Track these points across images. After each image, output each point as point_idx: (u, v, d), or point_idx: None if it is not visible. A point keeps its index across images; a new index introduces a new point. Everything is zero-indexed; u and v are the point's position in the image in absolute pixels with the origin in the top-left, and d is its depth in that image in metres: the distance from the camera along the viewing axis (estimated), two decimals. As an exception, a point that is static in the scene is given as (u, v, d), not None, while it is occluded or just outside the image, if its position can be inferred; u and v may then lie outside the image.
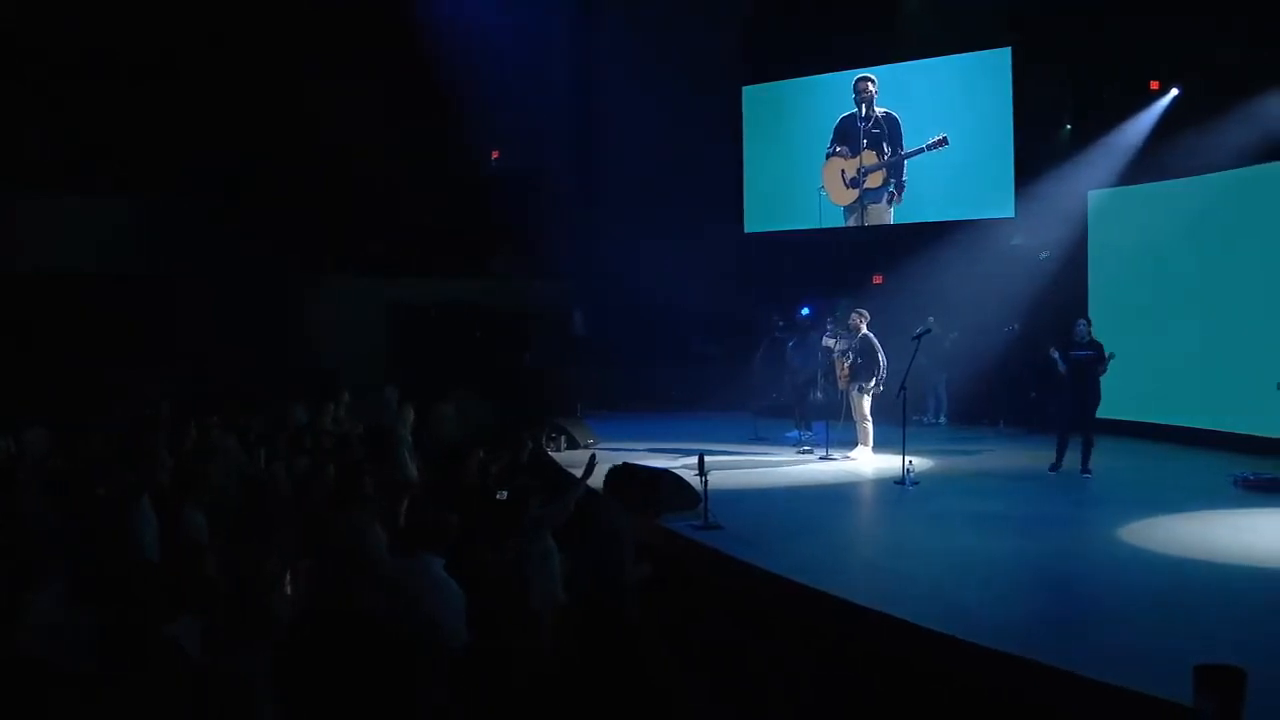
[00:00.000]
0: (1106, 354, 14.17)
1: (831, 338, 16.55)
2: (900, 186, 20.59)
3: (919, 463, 14.24)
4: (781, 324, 19.28)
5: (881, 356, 15.51)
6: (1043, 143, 19.17)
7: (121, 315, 17.64)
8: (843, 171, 21.23)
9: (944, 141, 19.96)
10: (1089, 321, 14.51)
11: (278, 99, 18.65)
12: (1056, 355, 14.13)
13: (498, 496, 8.85)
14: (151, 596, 5.51)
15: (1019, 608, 8.64)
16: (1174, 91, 17.49)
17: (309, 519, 8.28)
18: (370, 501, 7.95)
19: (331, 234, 19.55)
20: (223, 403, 13.15)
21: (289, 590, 6.58)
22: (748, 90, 22.58)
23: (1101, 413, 17.81)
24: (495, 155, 22.12)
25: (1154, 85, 17.71)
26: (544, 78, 21.06)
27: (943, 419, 19.93)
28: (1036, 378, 16.53)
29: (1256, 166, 15.88)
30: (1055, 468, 14.18)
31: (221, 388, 15.29)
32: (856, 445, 15.79)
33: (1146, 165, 17.67)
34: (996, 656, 7.14)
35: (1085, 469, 14.14)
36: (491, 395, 17.35)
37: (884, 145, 20.80)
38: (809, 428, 17.32)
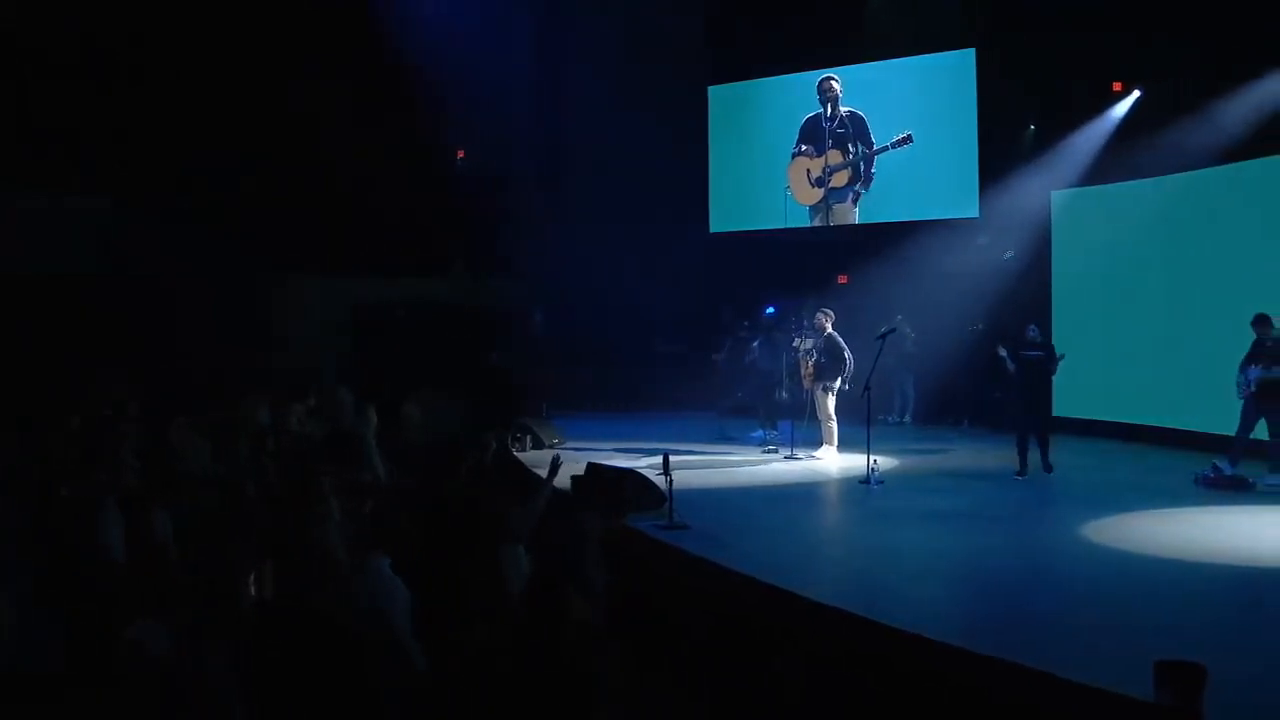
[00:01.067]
0: (1057, 354, 14.23)
1: (799, 337, 16.60)
2: (868, 179, 20.65)
3: (884, 462, 14.29)
4: (746, 324, 19.31)
5: (848, 354, 15.57)
6: (1006, 143, 19.25)
7: (86, 315, 17.48)
8: (808, 171, 21.28)
9: (909, 139, 20.03)
10: (1038, 328, 14.50)
11: (245, 99, 18.54)
12: (1004, 354, 14.17)
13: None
14: (117, 598, 5.48)
15: (983, 606, 8.70)
16: (1136, 93, 17.62)
17: (273, 520, 8.24)
18: (331, 503, 7.90)
19: (297, 233, 19.43)
20: (188, 402, 13.05)
21: (253, 591, 6.55)
22: (713, 90, 22.58)
23: (1065, 411, 18.02)
24: (460, 155, 22.04)
25: (1116, 87, 17.83)
26: (510, 77, 21.01)
27: (908, 418, 20.01)
28: (987, 377, 16.60)
29: (1218, 168, 16.01)
30: (1021, 473, 14.12)
31: (187, 387, 15.18)
32: (821, 445, 15.85)
33: (1109, 166, 17.80)
34: (961, 654, 7.17)
35: (1046, 467, 14.19)
36: (457, 395, 17.29)
37: (849, 144, 20.86)
38: (774, 427, 17.35)
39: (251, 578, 6.64)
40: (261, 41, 18.63)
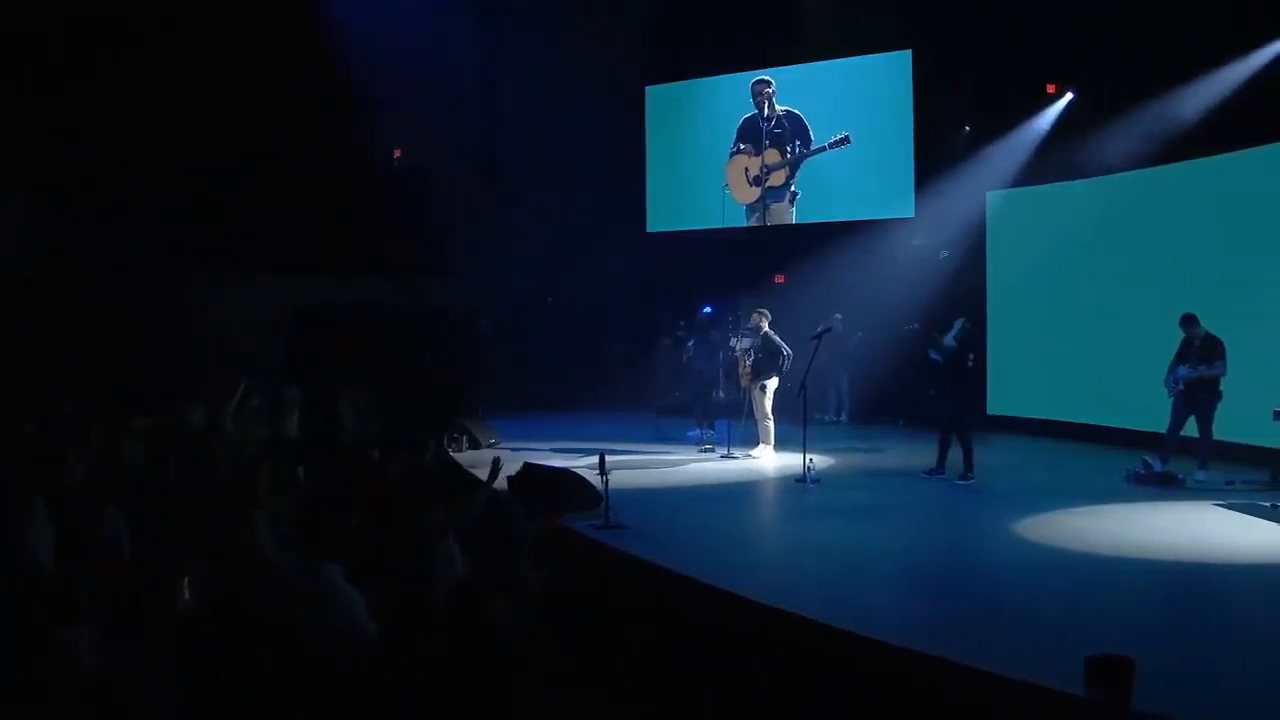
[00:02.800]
0: (970, 357, 14.13)
1: (735, 337, 16.63)
2: (794, 173, 20.76)
3: (820, 461, 14.34)
4: (682, 323, 19.32)
5: (786, 351, 15.60)
6: (942, 144, 19.40)
7: (16, 315, 17.22)
8: (746, 169, 21.34)
9: (846, 140, 20.15)
10: (965, 321, 14.44)
11: (177, 97, 18.32)
12: (939, 355, 14.18)
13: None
14: (44, 603, 5.38)
15: (917, 603, 8.73)
16: (1069, 95, 17.79)
17: (207, 521, 8.14)
18: (267, 504, 7.82)
19: (232, 233, 19.23)
20: (121, 403, 12.90)
21: (187, 594, 6.47)
22: (651, 90, 22.61)
23: (999, 410, 18.20)
24: (398, 154, 21.91)
25: (1051, 89, 18.00)
26: (448, 76, 20.89)
27: (844, 417, 20.10)
28: (916, 376, 16.68)
29: (1150, 169, 16.22)
30: (934, 471, 14.06)
31: (120, 388, 14.99)
32: (758, 444, 15.88)
33: (1043, 167, 17.99)
34: (895, 651, 7.20)
35: (969, 473, 13.81)
36: (394, 396, 17.19)
37: (787, 144, 20.94)
38: (711, 426, 17.38)
39: (187, 581, 6.55)
40: (196, 39, 18.43)
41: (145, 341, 17.94)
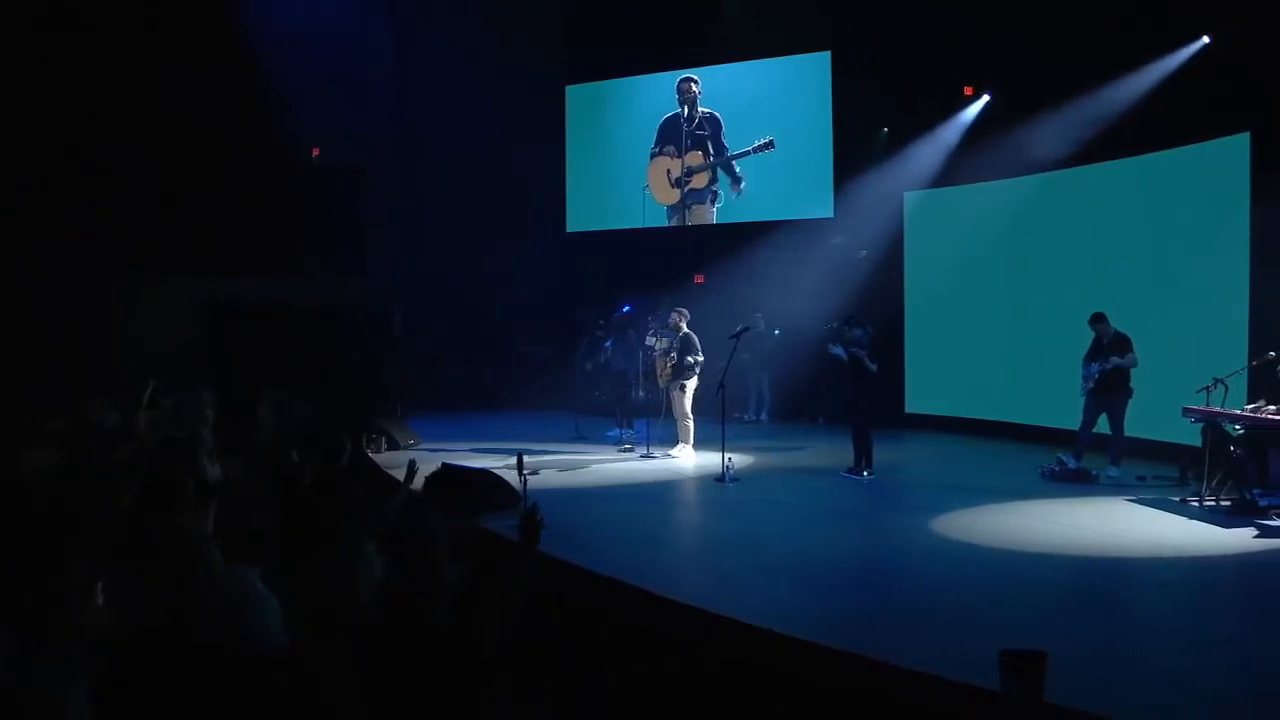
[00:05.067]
0: (875, 358, 14.20)
1: (654, 337, 16.64)
2: (737, 179, 20.81)
3: (739, 460, 14.39)
4: (601, 323, 19.31)
5: (699, 351, 15.64)
6: (861, 145, 19.53)
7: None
8: (668, 171, 21.36)
9: (770, 144, 20.22)
10: (866, 324, 14.52)
11: (91, 93, 17.99)
12: (840, 351, 14.25)
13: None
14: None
15: (834, 600, 8.76)
16: (986, 97, 17.98)
17: (122, 526, 8.00)
18: (185, 507, 7.69)
19: (145, 231, 18.92)
20: (32, 405, 12.65)
21: (101, 601, 6.33)
22: (570, 90, 22.55)
23: (917, 408, 18.36)
24: (316, 153, 21.69)
25: (968, 91, 18.18)
26: (366, 75, 20.74)
27: (764, 416, 20.17)
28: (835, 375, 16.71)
29: (1064, 170, 16.43)
30: (863, 470, 14.12)
31: (30, 389, 14.70)
32: (677, 443, 15.90)
33: (960, 168, 18.16)
34: (814, 648, 7.22)
35: (868, 469, 14.03)
36: (312, 396, 17.00)
37: (709, 145, 20.99)
38: (630, 426, 17.40)
39: (99, 587, 6.42)
40: (109, 33, 18.12)
41: (55, 342, 17.60)
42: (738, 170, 20.73)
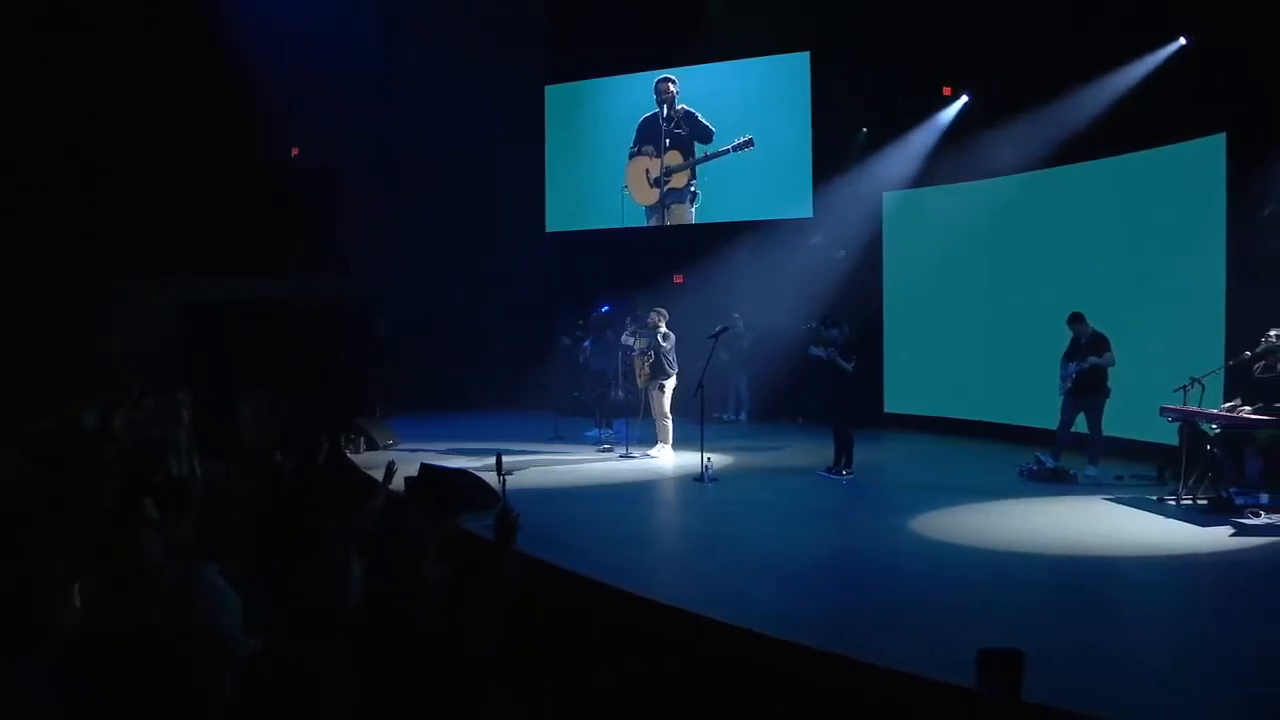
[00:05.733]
0: (850, 357, 14.19)
1: (631, 336, 16.64)
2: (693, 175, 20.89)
3: (718, 460, 14.39)
4: (580, 322, 19.30)
5: (671, 355, 15.68)
6: (840, 145, 19.56)
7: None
8: (647, 171, 21.36)
9: (750, 143, 20.24)
10: (843, 324, 14.53)
11: (68, 92, 17.90)
12: (820, 352, 14.26)
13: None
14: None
15: (815, 600, 8.76)
16: (965, 98, 18.03)
17: (98, 527, 7.96)
18: (157, 508, 7.66)
19: (125, 231, 18.82)
20: (7, 407, 12.59)
21: (77, 603, 6.30)
22: (550, 90, 22.54)
23: (896, 408, 18.40)
24: (295, 152, 21.63)
25: (946, 91, 18.22)
26: (346, 74, 20.66)
27: (743, 416, 20.19)
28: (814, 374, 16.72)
29: (1042, 171, 16.49)
30: (843, 470, 14.15)
31: (13, 390, 14.62)
32: (656, 443, 15.91)
33: (939, 168, 18.22)
34: (793, 648, 7.23)
35: (848, 469, 14.10)
36: (292, 396, 16.96)
37: (688, 145, 21.00)
38: (609, 426, 17.41)
39: (76, 589, 6.39)
40: (87, 33, 18.03)
41: (35, 343, 17.51)
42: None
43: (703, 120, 20.83)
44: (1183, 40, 14.68)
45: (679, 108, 21.05)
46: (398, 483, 8.83)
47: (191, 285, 19.78)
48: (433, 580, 7.89)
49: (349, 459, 14.87)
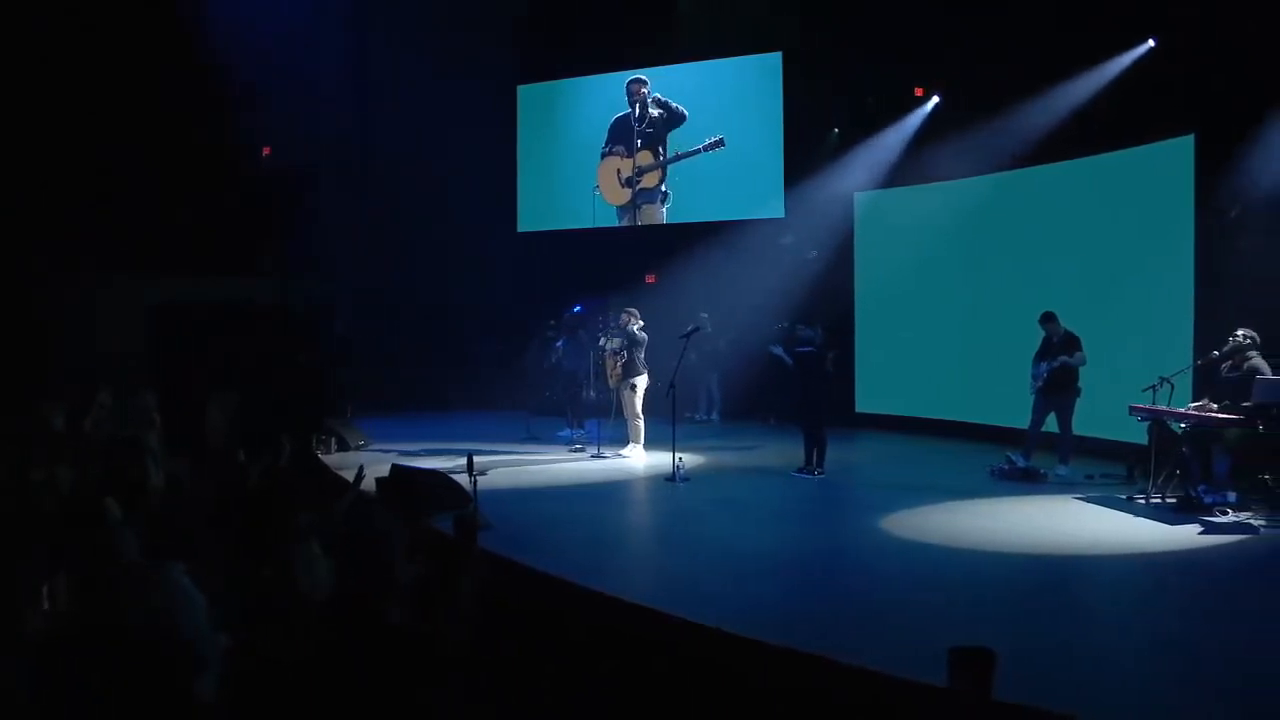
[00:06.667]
0: (829, 353, 14.24)
1: (604, 337, 16.63)
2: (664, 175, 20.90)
3: (690, 459, 14.40)
4: (552, 323, 19.27)
5: (640, 354, 15.70)
6: (812, 145, 19.59)
7: None
8: (618, 171, 21.35)
9: (720, 143, 20.25)
10: (816, 325, 14.55)
11: (36, 89, 17.77)
12: (780, 351, 14.28)
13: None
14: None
15: (787, 600, 8.75)
16: (936, 99, 18.08)
17: (67, 529, 7.91)
18: (128, 508, 7.62)
19: (93, 231, 18.70)
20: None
21: (46, 605, 6.26)
22: (522, 89, 22.50)
23: (867, 407, 18.44)
24: (266, 152, 21.50)
25: (918, 92, 18.28)
26: (319, 74, 20.58)
27: (715, 416, 20.20)
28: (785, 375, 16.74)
29: (1014, 171, 16.57)
30: (815, 470, 14.16)
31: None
32: (628, 443, 15.90)
33: (910, 168, 18.27)
34: (766, 648, 7.22)
35: (819, 468, 14.11)
36: (262, 397, 16.87)
37: (659, 146, 21.00)
38: (581, 426, 17.40)
39: (45, 590, 6.35)
40: (57, 31, 17.91)
41: (3, 343, 17.38)
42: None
43: (675, 105, 20.81)
44: (1152, 42, 14.75)
45: (653, 110, 21.03)
46: (369, 483, 8.80)
47: (159, 286, 19.66)
48: (402, 580, 7.88)
49: (319, 460, 14.81)
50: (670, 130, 20.93)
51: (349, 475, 9.01)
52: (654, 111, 21.05)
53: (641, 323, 15.86)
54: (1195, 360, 12.62)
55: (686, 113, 20.75)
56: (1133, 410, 12.42)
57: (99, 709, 4.29)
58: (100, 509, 7.51)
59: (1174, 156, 14.15)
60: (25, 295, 18.28)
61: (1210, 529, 10.71)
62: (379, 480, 11.84)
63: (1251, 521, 10.88)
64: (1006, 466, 13.76)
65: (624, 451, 15.80)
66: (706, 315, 19.11)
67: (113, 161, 18.40)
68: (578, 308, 18.97)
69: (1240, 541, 10.33)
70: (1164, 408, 12.00)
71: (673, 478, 13.62)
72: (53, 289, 18.73)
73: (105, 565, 7.01)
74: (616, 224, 21.39)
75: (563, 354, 18.07)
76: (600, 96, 21.65)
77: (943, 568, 9.57)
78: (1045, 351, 13.85)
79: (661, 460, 14.52)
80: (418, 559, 8.21)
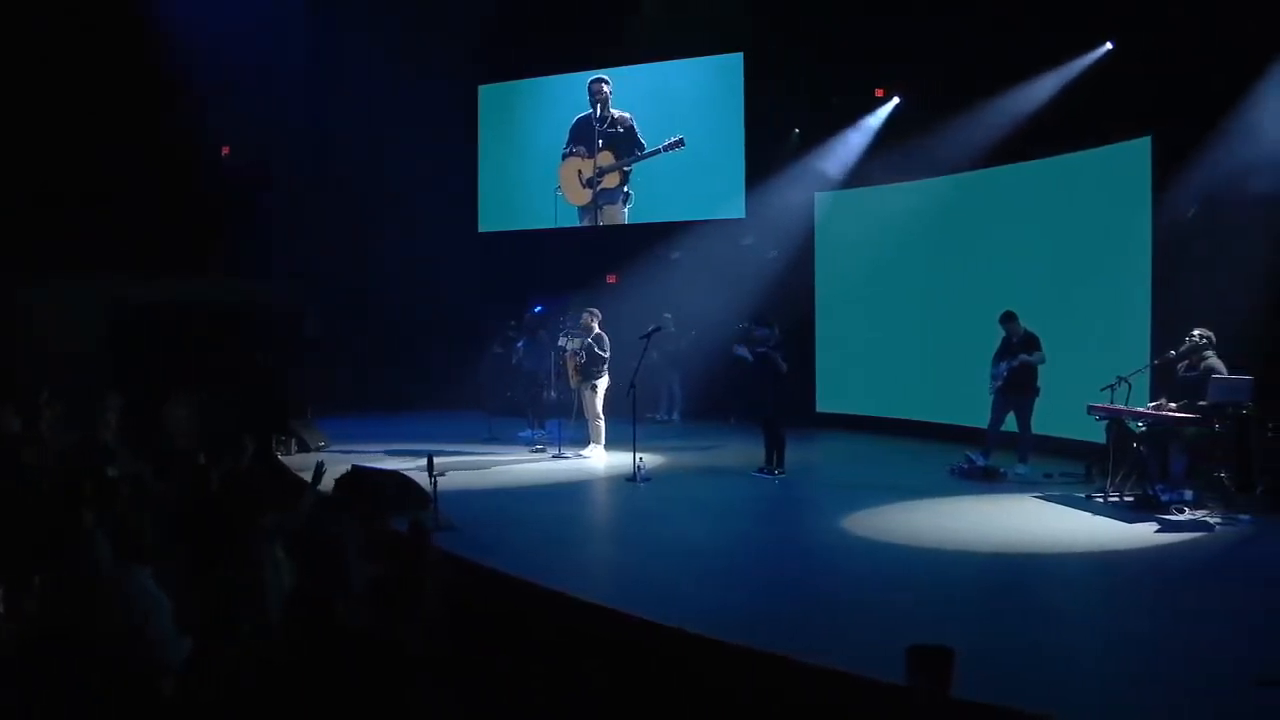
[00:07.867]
0: (780, 355, 14.20)
1: (565, 337, 16.60)
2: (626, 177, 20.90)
3: (651, 459, 14.38)
4: (513, 323, 19.22)
5: (605, 351, 15.68)
6: (773, 145, 19.63)
7: None
8: (579, 171, 21.33)
9: (680, 143, 20.27)
10: (773, 324, 14.52)
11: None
12: (744, 351, 14.28)
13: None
14: None
15: (748, 599, 8.75)
16: (896, 99, 18.14)
17: (28, 532, 7.83)
18: (90, 512, 7.54)
19: (48, 230, 18.52)
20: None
21: (3, 609, 6.20)
22: (484, 89, 22.45)
23: (827, 407, 18.48)
24: (226, 151, 21.37)
25: (878, 93, 18.34)
26: (277, 73, 20.44)
27: (676, 416, 20.20)
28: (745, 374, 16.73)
29: (973, 172, 16.65)
30: (775, 469, 14.10)
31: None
32: (589, 443, 15.88)
33: (870, 169, 18.34)
34: (726, 648, 7.23)
35: (778, 467, 14.08)
36: (220, 398, 16.74)
37: (620, 146, 20.98)
38: (542, 426, 17.36)
39: (1, 594, 6.29)
40: (11, 27, 17.73)
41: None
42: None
43: (639, 135, 20.81)
44: (1109, 45, 14.86)
45: (614, 111, 21.02)
46: (327, 483, 8.75)
47: (117, 286, 19.49)
48: (358, 580, 7.86)
49: (279, 460, 14.73)
50: (630, 144, 20.91)
51: (309, 476, 8.96)
52: (616, 114, 21.03)
53: (604, 336, 15.81)
54: (1152, 360, 12.71)
55: (645, 145, 20.75)
56: (1091, 409, 12.49)
57: (67, 711, 4.28)
58: (74, 515, 7.44)
59: (1131, 158, 14.25)
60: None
61: (1167, 527, 10.78)
62: (338, 480, 11.78)
63: (1207, 519, 10.98)
64: (966, 466, 13.82)
65: (585, 452, 15.78)
66: (670, 315, 19.09)
67: (69, 159, 18.23)
68: (539, 308, 18.93)
69: (1196, 539, 10.42)
70: (1122, 407, 12.07)
71: (634, 478, 13.62)
72: (6, 287, 18.52)
73: (76, 568, 6.96)
74: (578, 224, 21.37)
75: (523, 354, 18.03)
76: (562, 97, 21.62)
77: (905, 567, 9.61)
78: (1005, 351, 13.92)
79: (622, 460, 14.51)
80: (376, 560, 8.19)
